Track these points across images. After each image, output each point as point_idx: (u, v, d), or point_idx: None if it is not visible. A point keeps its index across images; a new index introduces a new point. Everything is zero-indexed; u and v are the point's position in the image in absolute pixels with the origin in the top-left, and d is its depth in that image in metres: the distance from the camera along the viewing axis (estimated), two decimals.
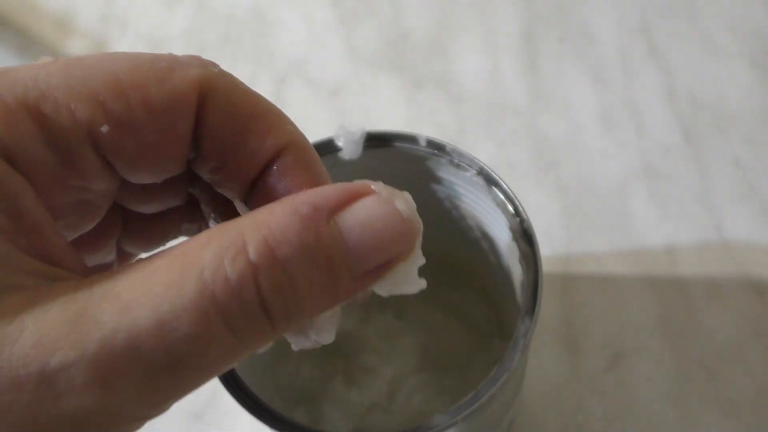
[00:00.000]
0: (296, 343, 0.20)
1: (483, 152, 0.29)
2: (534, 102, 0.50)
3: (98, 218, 0.20)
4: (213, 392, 0.42)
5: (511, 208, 0.29)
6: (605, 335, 0.41)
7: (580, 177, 0.47)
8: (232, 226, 0.16)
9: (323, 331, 0.19)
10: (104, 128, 0.17)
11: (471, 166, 0.30)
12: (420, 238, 0.18)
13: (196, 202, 0.23)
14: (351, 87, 0.53)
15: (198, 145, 0.19)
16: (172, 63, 0.18)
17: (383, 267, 0.17)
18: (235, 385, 0.27)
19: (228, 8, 0.58)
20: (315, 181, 0.19)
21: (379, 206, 0.17)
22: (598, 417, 0.39)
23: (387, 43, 0.54)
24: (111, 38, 0.58)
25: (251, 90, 0.19)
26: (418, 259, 0.19)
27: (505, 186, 0.29)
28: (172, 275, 0.15)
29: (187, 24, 0.58)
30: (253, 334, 0.16)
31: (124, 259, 0.24)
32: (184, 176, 0.21)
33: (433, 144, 0.30)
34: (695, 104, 0.49)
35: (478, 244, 0.34)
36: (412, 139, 0.31)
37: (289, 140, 0.19)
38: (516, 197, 0.29)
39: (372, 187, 0.18)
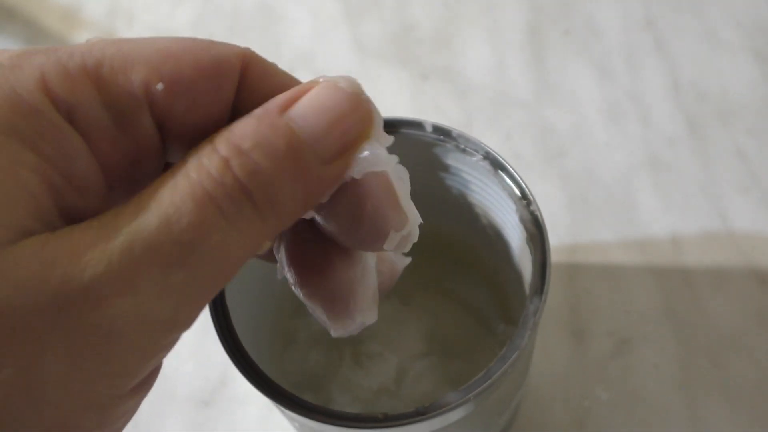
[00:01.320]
0: (339, 329, 0.21)
1: (489, 144, 0.29)
2: (540, 94, 0.50)
3: None
4: (221, 379, 0.42)
5: (517, 192, 0.29)
6: (611, 323, 0.42)
7: (586, 168, 0.47)
8: (204, 141, 0.18)
9: (366, 311, 0.20)
10: (159, 86, 0.18)
11: (477, 151, 0.30)
12: (380, 119, 0.20)
13: None
14: (357, 80, 0.53)
15: (234, 114, 0.20)
16: (211, 40, 0.19)
17: (350, 147, 0.19)
18: (248, 368, 0.27)
19: (234, 0, 0.58)
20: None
21: (324, 91, 0.19)
22: (604, 402, 0.39)
23: (393, 36, 0.55)
24: (118, 31, 0.58)
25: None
26: (383, 138, 0.20)
27: (511, 170, 0.29)
28: (167, 182, 0.17)
29: (194, 16, 0.58)
30: (244, 221, 0.17)
31: None
32: None
33: (439, 129, 0.31)
34: (700, 96, 0.49)
35: (485, 232, 0.34)
36: (418, 125, 0.31)
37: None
38: (523, 180, 0.29)
39: (319, 79, 0.19)
